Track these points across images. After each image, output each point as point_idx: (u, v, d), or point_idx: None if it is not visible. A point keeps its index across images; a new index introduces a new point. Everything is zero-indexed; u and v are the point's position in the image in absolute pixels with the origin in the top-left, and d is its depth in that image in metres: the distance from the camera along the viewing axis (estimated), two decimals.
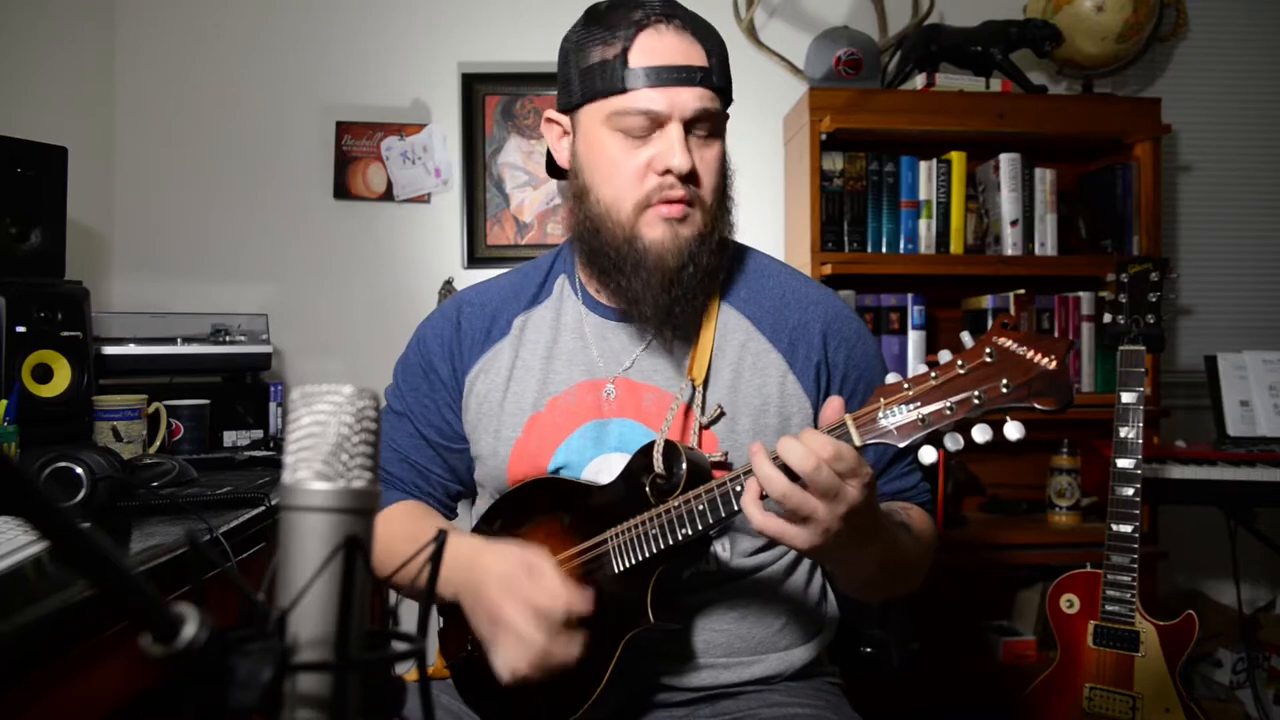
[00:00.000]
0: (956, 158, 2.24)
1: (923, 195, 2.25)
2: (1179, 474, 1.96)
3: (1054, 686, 1.81)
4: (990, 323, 2.24)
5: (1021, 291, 2.25)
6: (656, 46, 1.03)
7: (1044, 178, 2.27)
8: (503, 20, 2.45)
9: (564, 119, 1.13)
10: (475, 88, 2.45)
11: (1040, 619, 2.26)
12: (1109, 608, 1.75)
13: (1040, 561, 2.23)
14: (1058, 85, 2.54)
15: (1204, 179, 2.65)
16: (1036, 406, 0.85)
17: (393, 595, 1.16)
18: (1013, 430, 0.87)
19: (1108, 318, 1.81)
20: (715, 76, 1.05)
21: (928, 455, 0.89)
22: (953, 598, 2.35)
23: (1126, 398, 1.76)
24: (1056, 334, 2.28)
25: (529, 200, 2.47)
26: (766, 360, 1.14)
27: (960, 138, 2.26)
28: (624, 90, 1.03)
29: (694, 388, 1.10)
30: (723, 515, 0.95)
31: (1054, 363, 0.84)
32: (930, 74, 2.26)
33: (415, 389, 1.21)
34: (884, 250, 2.24)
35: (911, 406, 0.88)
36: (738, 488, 0.93)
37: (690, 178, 1.05)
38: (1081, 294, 2.29)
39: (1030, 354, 0.85)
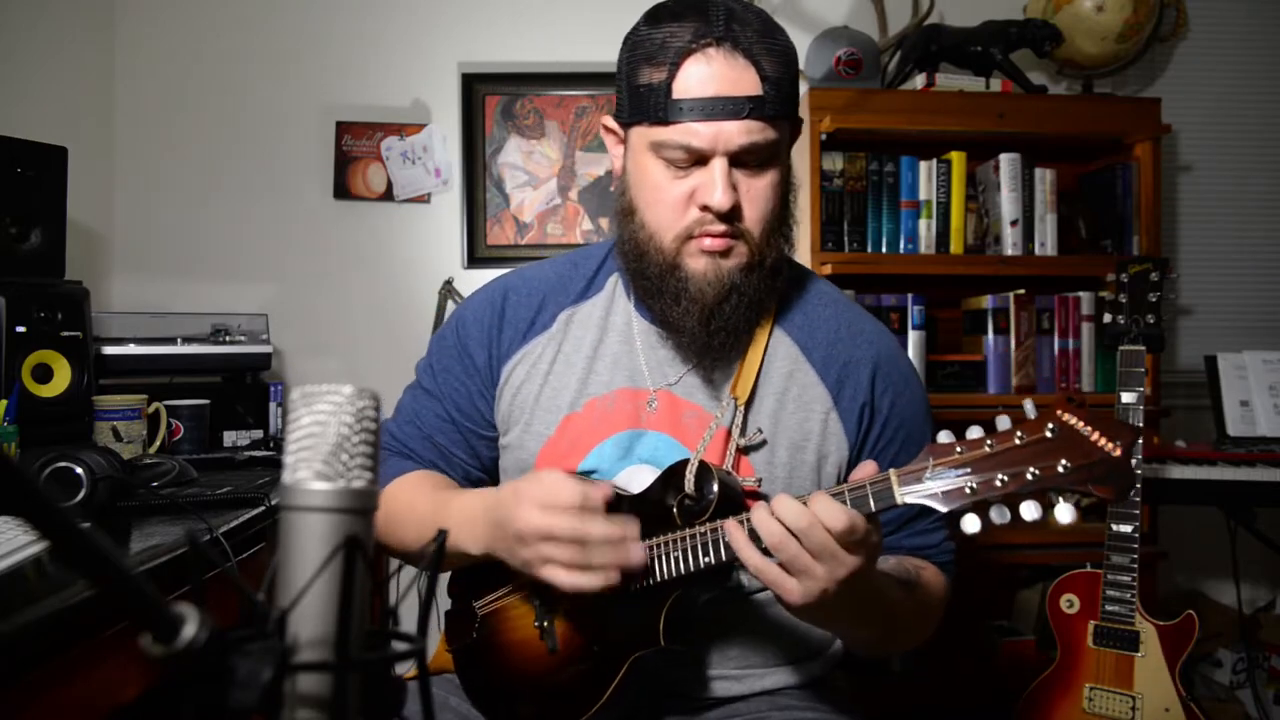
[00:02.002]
0: (956, 158, 2.24)
1: (923, 195, 2.25)
2: (1179, 474, 1.96)
3: (1054, 686, 1.81)
4: (990, 323, 2.24)
5: (1021, 291, 2.25)
6: (703, 75, 0.97)
7: (1044, 178, 2.27)
8: (503, 20, 2.45)
9: (619, 129, 1.09)
10: (475, 88, 2.45)
11: (1040, 619, 2.26)
12: (1109, 608, 1.75)
13: (1040, 561, 2.23)
14: (1058, 85, 2.54)
15: (1204, 179, 2.65)
16: (1094, 493, 0.81)
17: (393, 595, 1.16)
18: (1064, 514, 0.83)
19: (1108, 318, 1.81)
20: (769, 105, 0.98)
21: (971, 524, 0.86)
22: (953, 598, 2.35)
23: (1126, 398, 1.76)
24: (1057, 334, 2.28)
25: (529, 200, 2.47)
26: (812, 394, 1.11)
27: (960, 138, 2.26)
28: (667, 122, 0.98)
29: (735, 407, 1.07)
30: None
31: (1118, 450, 0.80)
32: (930, 74, 2.26)
33: (448, 370, 1.17)
34: (884, 250, 2.24)
35: (961, 472, 0.84)
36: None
37: (733, 213, 1.01)
38: (1081, 294, 2.29)
39: (1094, 436, 0.81)
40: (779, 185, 1.05)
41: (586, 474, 1.10)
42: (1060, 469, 0.81)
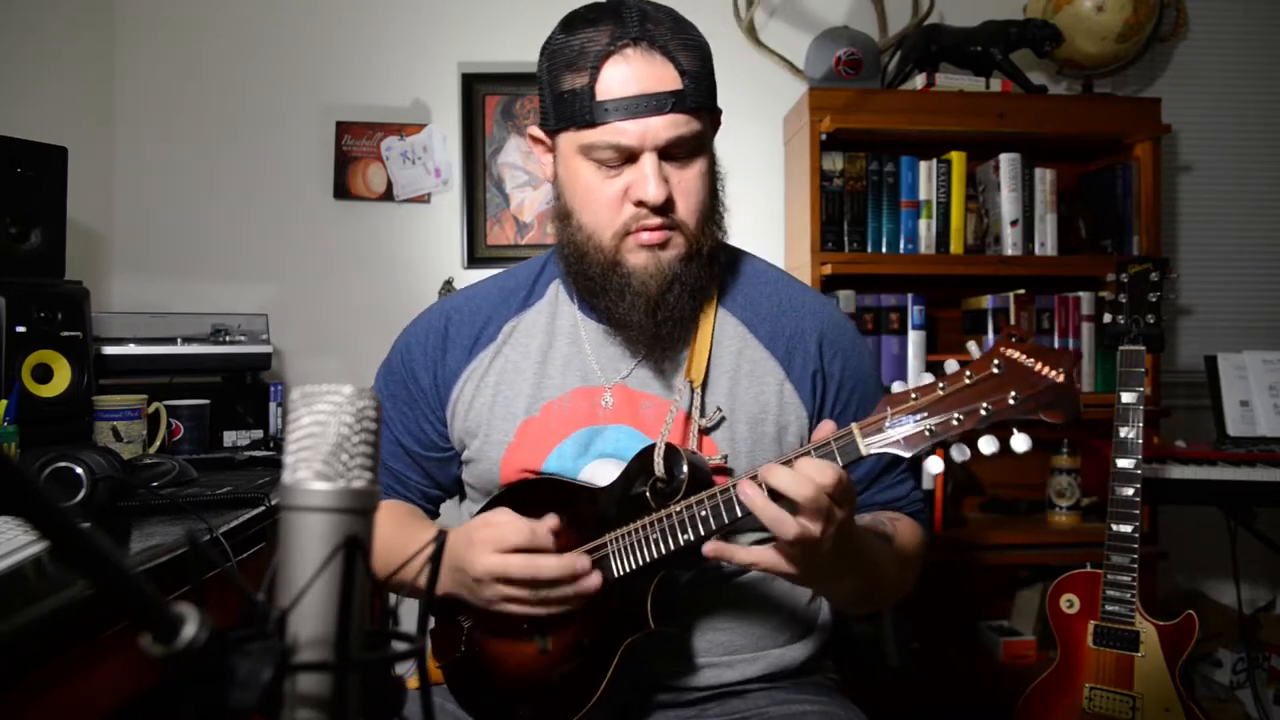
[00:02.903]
0: (956, 158, 2.24)
1: (923, 195, 2.25)
2: (1179, 474, 1.96)
3: (1054, 687, 1.81)
4: (990, 323, 2.24)
5: (1021, 291, 2.25)
6: (624, 75, 1.00)
7: (1044, 178, 2.27)
8: (503, 20, 2.45)
9: (545, 137, 1.11)
10: (475, 88, 2.45)
11: (1040, 619, 2.26)
12: (1109, 608, 1.75)
13: (1040, 561, 2.23)
14: (1058, 85, 2.54)
15: (1204, 179, 2.65)
16: (1044, 419, 0.85)
17: (393, 595, 1.16)
18: (1020, 443, 0.87)
19: (1108, 318, 1.81)
20: (690, 97, 1.02)
21: (934, 466, 0.90)
22: (953, 598, 2.35)
23: (1126, 398, 1.76)
24: (1057, 334, 2.28)
25: (529, 200, 2.47)
26: (764, 368, 1.14)
27: (960, 138, 2.26)
28: (594, 124, 1.01)
29: (692, 390, 1.10)
30: (726, 521, 0.95)
31: (1061, 375, 0.85)
32: (930, 74, 2.26)
33: (394, 397, 1.20)
34: (884, 250, 2.24)
35: (919, 417, 0.88)
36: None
37: (667, 206, 1.04)
38: (1081, 294, 2.29)
39: (1038, 366, 0.86)
40: (707, 175, 1.08)
41: (549, 475, 1.12)
42: (1011, 400, 0.86)
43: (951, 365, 0.89)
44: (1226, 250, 2.65)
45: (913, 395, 0.88)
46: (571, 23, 1.06)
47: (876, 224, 2.25)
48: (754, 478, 0.90)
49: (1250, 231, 2.65)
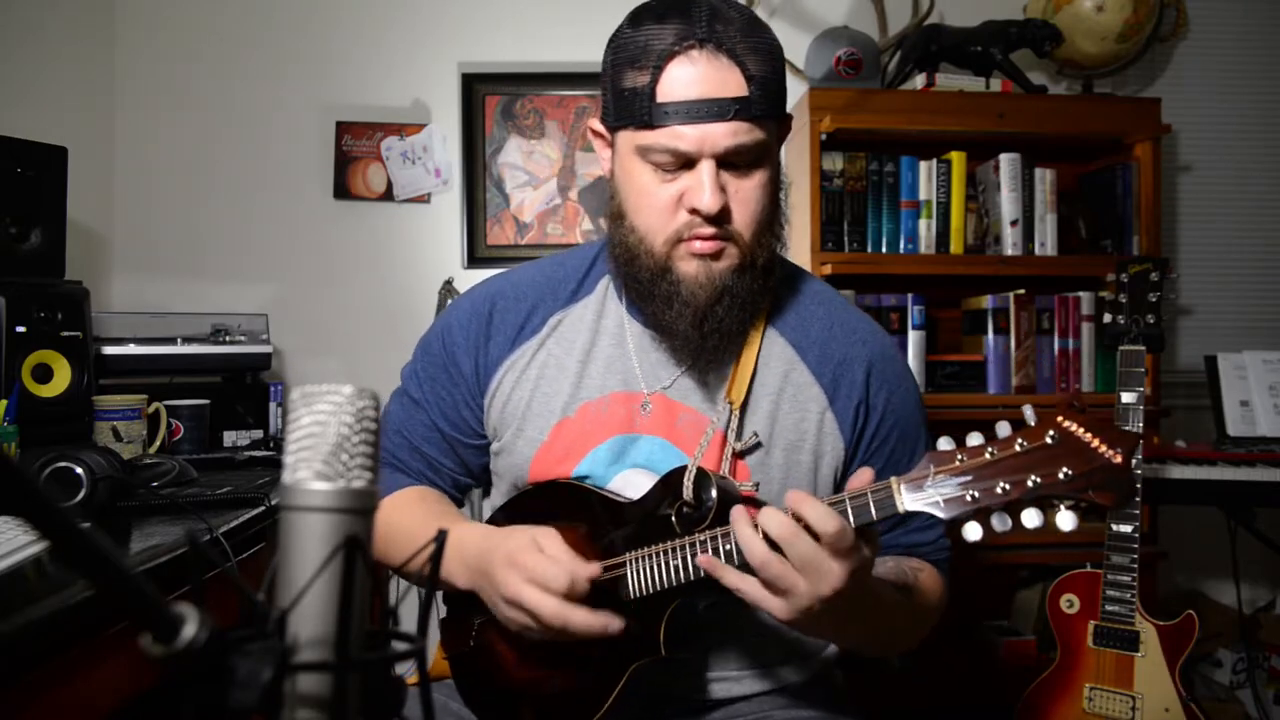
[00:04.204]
0: (956, 158, 2.24)
1: (923, 195, 2.24)
2: (1179, 474, 1.96)
3: (1054, 687, 1.81)
4: (990, 323, 2.24)
5: (1021, 291, 2.25)
6: (687, 78, 0.95)
7: (1044, 178, 2.27)
8: (503, 20, 2.45)
9: (606, 133, 1.07)
10: (475, 88, 2.45)
11: (1040, 619, 2.26)
12: (1109, 608, 1.75)
13: (1040, 561, 2.23)
14: (1058, 85, 2.54)
15: (1204, 179, 2.65)
16: (1094, 500, 0.81)
17: (393, 595, 1.16)
18: (1065, 521, 0.83)
19: (1108, 318, 1.81)
20: (755, 105, 0.97)
21: (973, 532, 0.86)
22: (953, 598, 2.34)
23: (1126, 398, 1.76)
24: (1057, 334, 2.28)
25: (529, 200, 2.47)
26: (808, 394, 1.10)
27: (960, 138, 2.25)
28: (652, 126, 0.97)
29: (731, 411, 1.06)
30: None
31: (1119, 457, 0.80)
32: (930, 74, 2.26)
33: (434, 379, 1.17)
34: (884, 250, 2.24)
35: (963, 480, 0.83)
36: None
37: (723, 215, 0.99)
38: (1081, 294, 2.29)
39: (1095, 444, 0.81)
40: (768, 185, 1.03)
41: (580, 479, 1.09)
42: (1061, 476, 0.81)
43: (1004, 429, 0.85)
44: (1226, 250, 2.65)
45: (959, 457, 0.84)
46: (639, 16, 1.01)
47: (876, 224, 2.25)
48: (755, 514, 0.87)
49: (1250, 231, 2.65)
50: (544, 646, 1.01)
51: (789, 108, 1.08)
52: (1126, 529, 1.73)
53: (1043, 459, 0.82)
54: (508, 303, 1.15)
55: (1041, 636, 2.27)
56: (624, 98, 0.99)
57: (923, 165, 2.24)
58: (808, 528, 0.83)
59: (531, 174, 2.46)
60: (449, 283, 2.36)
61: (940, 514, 0.84)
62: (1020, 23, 2.26)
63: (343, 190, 2.44)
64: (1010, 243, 2.25)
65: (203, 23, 2.42)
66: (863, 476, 0.88)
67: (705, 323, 1.03)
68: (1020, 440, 0.83)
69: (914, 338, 2.23)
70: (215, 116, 2.42)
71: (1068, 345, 2.27)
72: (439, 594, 1.23)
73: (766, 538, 0.85)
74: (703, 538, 0.94)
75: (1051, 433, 0.82)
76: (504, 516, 1.14)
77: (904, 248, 2.24)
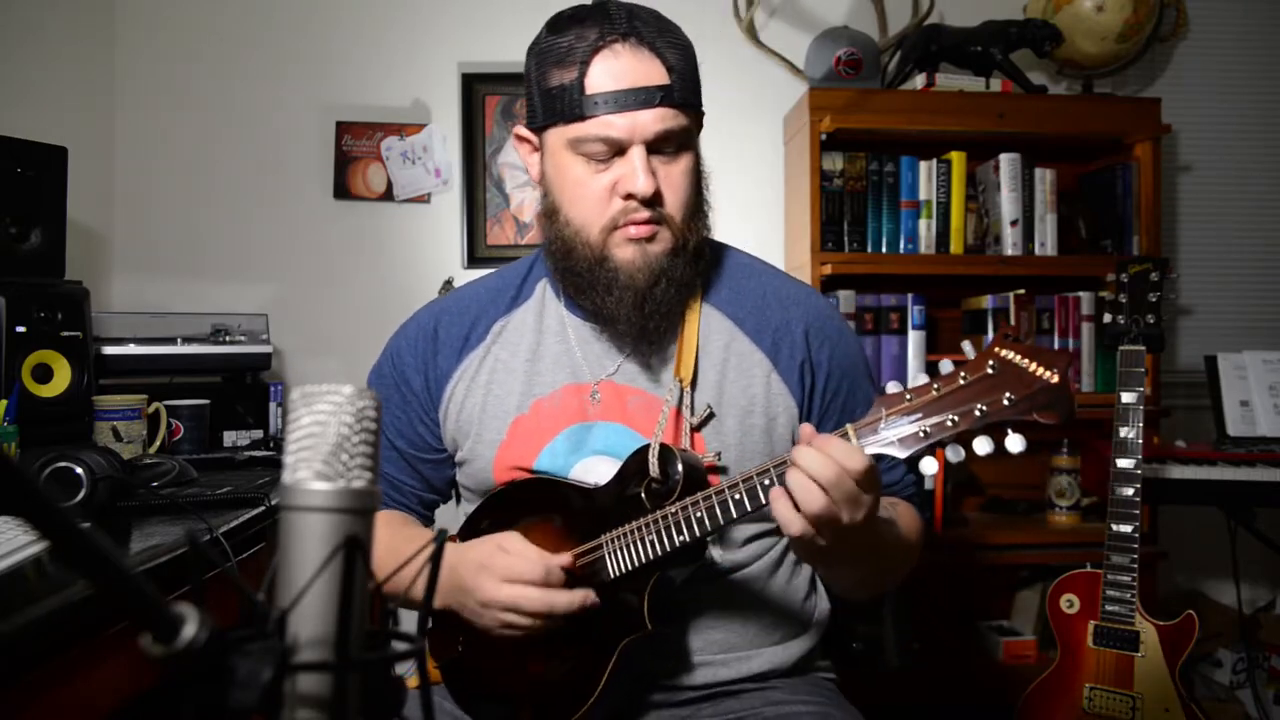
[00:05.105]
0: (956, 158, 2.24)
1: (923, 195, 2.25)
2: (1179, 474, 1.96)
3: (1054, 687, 1.81)
4: (990, 323, 2.24)
5: (1021, 291, 2.25)
6: (613, 69, 1.01)
7: (1044, 178, 2.27)
8: (503, 20, 2.45)
9: (533, 136, 1.12)
10: (475, 88, 2.45)
11: (1040, 619, 2.26)
12: (1109, 608, 1.75)
13: (1040, 561, 2.23)
14: (1058, 85, 2.54)
15: (1204, 179, 2.65)
16: (1039, 420, 0.85)
17: None
18: (1015, 443, 0.87)
19: (1108, 318, 1.81)
20: (677, 92, 1.03)
21: (929, 466, 0.90)
22: (953, 598, 2.35)
23: (1126, 398, 1.76)
24: (1057, 334, 2.28)
25: (529, 200, 2.47)
26: (751, 360, 1.14)
27: (960, 138, 2.26)
28: (582, 117, 1.02)
29: (681, 389, 1.10)
30: (722, 521, 0.95)
31: (1056, 376, 0.84)
32: (930, 74, 2.26)
33: (388, 400, 1.20)
34: (884, 250, 2.24)
35: (914, 418, 0.88)
36: (736, 495, 0.94)
37: (655, 199, 1.04)
38: (1081, 294, 2.29)
39: (1033, 367, 0.86)
40: (693, 171, 1.09)
41: (541, 472, 1.12)
42: (1005, 401, 0.85)
43: (946, 366, 0.89)
44: (1226, 250, 2.65)
45: (907, 396, 0.89)
46: (558, 23, 1.07)
47: (876, 224, 2.25)
48: (781, 464, 0.90)
49: (1250, 231, 2.65)
50: (531, 641, 1.03)
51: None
52: (1126, 529, 1.73)
53: (986, 388, 0.86)
54: (451, 318, 1.20)
55: (1041, 636, 2.27)
56: (551, 96, 1.04)
57: (923, 165, 2.24)
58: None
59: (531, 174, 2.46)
60: (449, 283, 2.36)
61: (897, 453, 0.88)
62: (1020, 23, 2.26)
63: (343, 190, 2.44)
64: (1010, 243, 2.25)
65: (203, 23, 2.42)
66: (804, 432, 0.91)
67: (645, 304, 1.07)
68: (963, 374, 0.88)
69: (914, 338, 2.23)
70: (215, 116, 2.42)
71: (1068, 345, 2.27)
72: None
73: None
74: (673, 509, 0.98)
75: (991, 363, 0.87)
76: (473, 523, 1.17)
77: (904, 248, 2.24)
